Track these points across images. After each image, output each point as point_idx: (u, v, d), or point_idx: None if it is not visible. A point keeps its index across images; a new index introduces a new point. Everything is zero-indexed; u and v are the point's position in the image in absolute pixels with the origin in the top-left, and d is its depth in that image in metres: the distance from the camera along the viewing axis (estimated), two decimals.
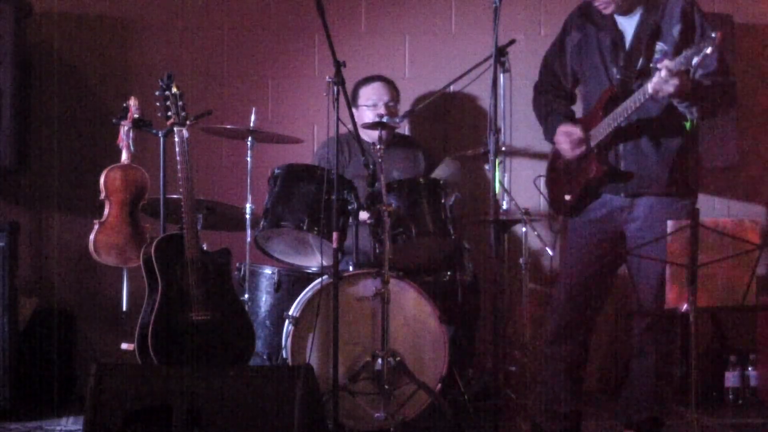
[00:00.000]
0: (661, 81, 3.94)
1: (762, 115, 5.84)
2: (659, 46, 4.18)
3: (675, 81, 3.94)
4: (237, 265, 4.93)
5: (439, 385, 4.57)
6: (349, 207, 4.62)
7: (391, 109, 5.29)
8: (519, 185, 5.32)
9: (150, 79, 5.22)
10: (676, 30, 4.16)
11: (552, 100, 4.49)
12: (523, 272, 5.16)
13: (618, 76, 4.25)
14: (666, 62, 3.96)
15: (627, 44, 4.26)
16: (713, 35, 3.85)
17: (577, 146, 4.32)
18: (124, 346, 4.61)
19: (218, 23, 5.64)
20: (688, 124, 4.25)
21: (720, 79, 4.17)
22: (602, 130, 4.24)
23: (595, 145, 4.28)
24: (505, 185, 5.16)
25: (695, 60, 3.89)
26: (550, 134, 4.44)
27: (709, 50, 3.84)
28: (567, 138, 4.34)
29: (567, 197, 4.39)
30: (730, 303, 3.89)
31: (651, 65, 4.11)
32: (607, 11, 4.25)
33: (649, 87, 3.99)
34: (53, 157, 5.48)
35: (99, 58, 5.56)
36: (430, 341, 4.59)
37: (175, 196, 4.59)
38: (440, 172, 5.30)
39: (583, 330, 4.39)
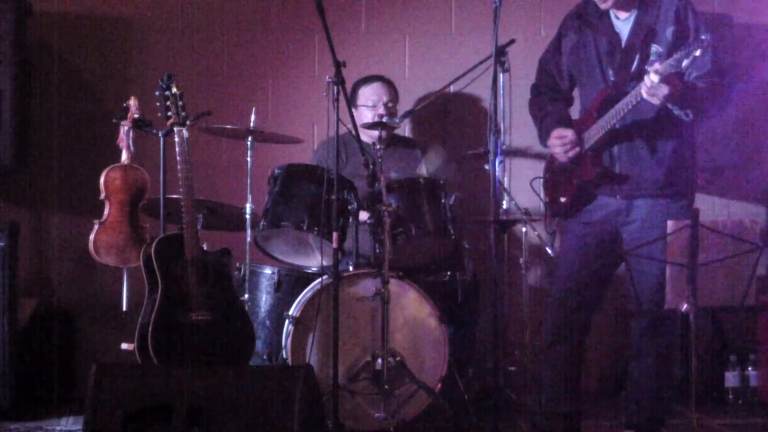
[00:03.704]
0: (653, 85, 3.94)
1: (762, 115, 5.83)
2: (654, 48, 4.18)
3: (666, 84, 3.94)
4: (237, 265, 4.93)
5: (439, 385, 4.57)
6: (350, 207, 4.62)
7: (391, 109, 5.29)
8: (519, 185, 5.31)
9: (150, 79, 5.22)
10: (669, 31, 4.16)
11: (547, 103, 4.49)
12: (523, 272, 5.16)
13: (613, 78, 4.25)
14: (656, 66, 3.96)
15: (623, 46, 4.25)
16: (703, 37, 3.85)
17: (570, 150, 4.32)
18: (124, 346, 4.60)
19: (218, 23, 5.64)
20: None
21: (715, 79, 4.16)
22: (596, 132, 4.24)
23: (589, 147, 4.28)
24: (505, 185, 5.16)
25: (685, 62, 3.89)
26: (544, 138, 4.45)
27: (698, 53, 3.83)
28: (560, 142, 4.34)
29: (562, 199, 4.40)
30: (730, 303, 3.89)
31: (646, 67, 4.11)
32: (605, 5, 4.24)
33: (643, 91, 3.99)
34: (53, 157, 5.48)
35: (99, 58, 5.55)
36: (430, 341, 4.59)
37: (175, 196, 4.58)
38: (433, 159, 5.29)
39: (579, 330, 4.40)
